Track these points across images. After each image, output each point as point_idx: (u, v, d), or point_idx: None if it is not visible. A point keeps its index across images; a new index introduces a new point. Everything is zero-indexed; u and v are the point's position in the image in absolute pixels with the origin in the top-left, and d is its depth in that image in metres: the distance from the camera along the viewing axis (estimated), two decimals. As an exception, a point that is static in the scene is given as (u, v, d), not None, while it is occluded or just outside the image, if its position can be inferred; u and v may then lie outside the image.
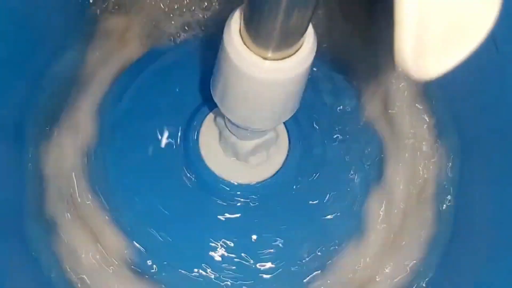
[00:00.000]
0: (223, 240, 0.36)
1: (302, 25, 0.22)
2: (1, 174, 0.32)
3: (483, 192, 0.35)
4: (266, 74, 0.23)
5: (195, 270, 0.35)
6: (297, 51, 0.23)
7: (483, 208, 0.34)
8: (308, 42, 0.23)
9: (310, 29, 0.23)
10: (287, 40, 0.22)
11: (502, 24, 0.30)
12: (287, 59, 0.23)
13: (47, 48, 0.36)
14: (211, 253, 0.36)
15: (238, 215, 0.37)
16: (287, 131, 0.38)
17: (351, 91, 0.40)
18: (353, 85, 0.40)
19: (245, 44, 0.23)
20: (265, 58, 0.23)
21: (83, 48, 0.39)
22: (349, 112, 0.40)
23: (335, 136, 0.39)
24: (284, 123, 0.37)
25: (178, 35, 0.41)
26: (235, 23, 0.23)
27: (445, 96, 0.39)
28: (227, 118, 0.29)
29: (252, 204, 0.37)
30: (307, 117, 0.39)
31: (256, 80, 0.23)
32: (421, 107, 0.40)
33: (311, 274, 0.36)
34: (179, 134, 0.38)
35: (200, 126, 0.37)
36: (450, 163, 0.38)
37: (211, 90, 0.28)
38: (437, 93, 0.39)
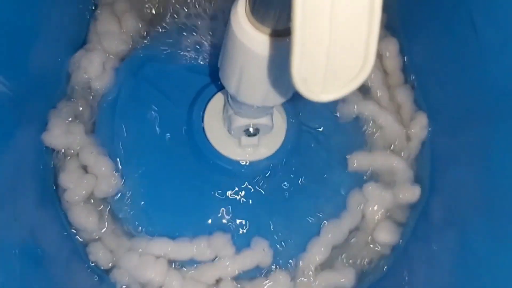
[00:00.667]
0: (217, 211, 0.39)
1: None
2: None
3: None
4: (268, 50, 0.26)
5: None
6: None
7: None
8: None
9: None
10: (287, 19, 0.25)
11: (482, 10, 0.33)
12: (287, 37, 0.26)
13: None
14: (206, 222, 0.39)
15: (235, 189, 0.40)
16: (286, 117, 0.41)
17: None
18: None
19: (249, 22, 0.26)
20: (268, 35, 0.26)
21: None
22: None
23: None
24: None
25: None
26: (241, 5, 0.26)
27: (422, 82, 0.42)
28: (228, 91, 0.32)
29: (246, 178, 0.40)
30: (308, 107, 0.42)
31: (259, 55, 0.26)
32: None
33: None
34: (186, 111, 0.41)
35: (207, 104, 0.40)
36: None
37: (219, 66, 0.31)
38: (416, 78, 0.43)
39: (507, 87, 0.32)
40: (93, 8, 0.44)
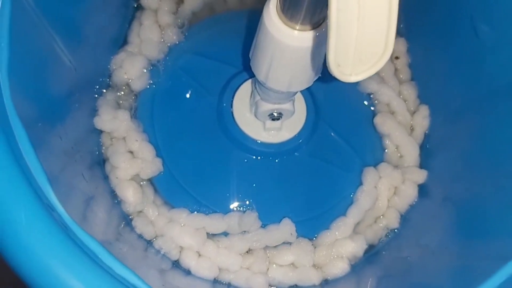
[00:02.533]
0: (246, 188, 0.44)
1: (322, 9, 0.30)
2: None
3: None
4: (295, 41, 0.31)
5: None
6: (319, 25, 0.31)
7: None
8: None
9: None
10: (311, 17, 0.30)
11: (482, 13, 0.38)
12: (311, 31, 0.31)
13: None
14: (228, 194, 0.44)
15: (261, 168, 0.45)
16: (306, 105, 0.46)
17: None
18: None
19: (280, 19, 0.31)
20: (296, 30, 0.31)
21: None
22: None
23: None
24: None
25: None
26: (273, 3, 0.31)
27: (423, 79, 0.48)
28: (257, 79, 0.37)
29: (270, 158, 0.45)
30: (325, 98, 0.47)
31: (288, 46, 0.31)
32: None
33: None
34: (217, 96, 0.46)
35: (235, 91, 0.45)
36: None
37: (250, 56, 0.36)
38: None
39: (502, 82, 0.37)
40: (135, 6, 0.50)
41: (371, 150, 0.47)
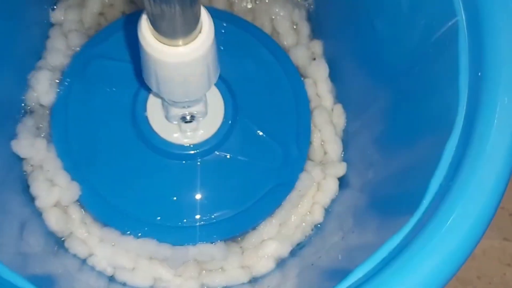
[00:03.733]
0: (169, 193, 0.44)
1: (190, 22, 0.28)
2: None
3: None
4: (171, 58, 0.30)
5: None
6: (196, 37, 0.30)
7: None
8: (204, 31, 0.30)
9: (206, 18, 0.30)
10: (182, 32, 0.29)
11: (375, 6, 0.38)
12: (186, 46, 0.30)
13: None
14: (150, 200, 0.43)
15: (182, 171, 0.44)
16: (224, 102, 0.45)
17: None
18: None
19: (153, 36, 0.30)
20: (170, 45, 0.30)
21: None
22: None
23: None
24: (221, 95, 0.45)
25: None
26: (144, 21, 0.30)
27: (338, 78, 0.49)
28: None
29: (189, 161, 0.44)
30: (245, 89, 0.46)
31: (165, 63, 0.30)
32: None
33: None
34: (131, 100, 0.44)
35: (149, 92, 0.44)
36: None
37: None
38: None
39: (397, 71, 0.39)
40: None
41: (295, 142, 0.46)
